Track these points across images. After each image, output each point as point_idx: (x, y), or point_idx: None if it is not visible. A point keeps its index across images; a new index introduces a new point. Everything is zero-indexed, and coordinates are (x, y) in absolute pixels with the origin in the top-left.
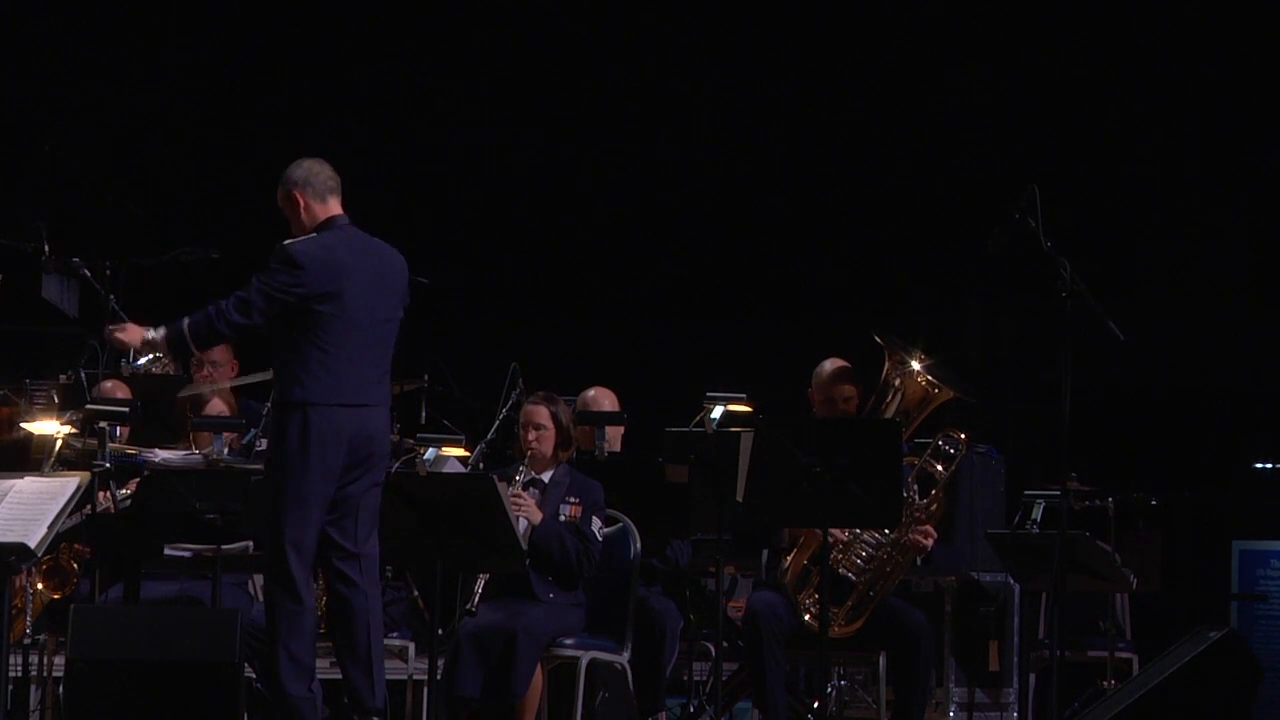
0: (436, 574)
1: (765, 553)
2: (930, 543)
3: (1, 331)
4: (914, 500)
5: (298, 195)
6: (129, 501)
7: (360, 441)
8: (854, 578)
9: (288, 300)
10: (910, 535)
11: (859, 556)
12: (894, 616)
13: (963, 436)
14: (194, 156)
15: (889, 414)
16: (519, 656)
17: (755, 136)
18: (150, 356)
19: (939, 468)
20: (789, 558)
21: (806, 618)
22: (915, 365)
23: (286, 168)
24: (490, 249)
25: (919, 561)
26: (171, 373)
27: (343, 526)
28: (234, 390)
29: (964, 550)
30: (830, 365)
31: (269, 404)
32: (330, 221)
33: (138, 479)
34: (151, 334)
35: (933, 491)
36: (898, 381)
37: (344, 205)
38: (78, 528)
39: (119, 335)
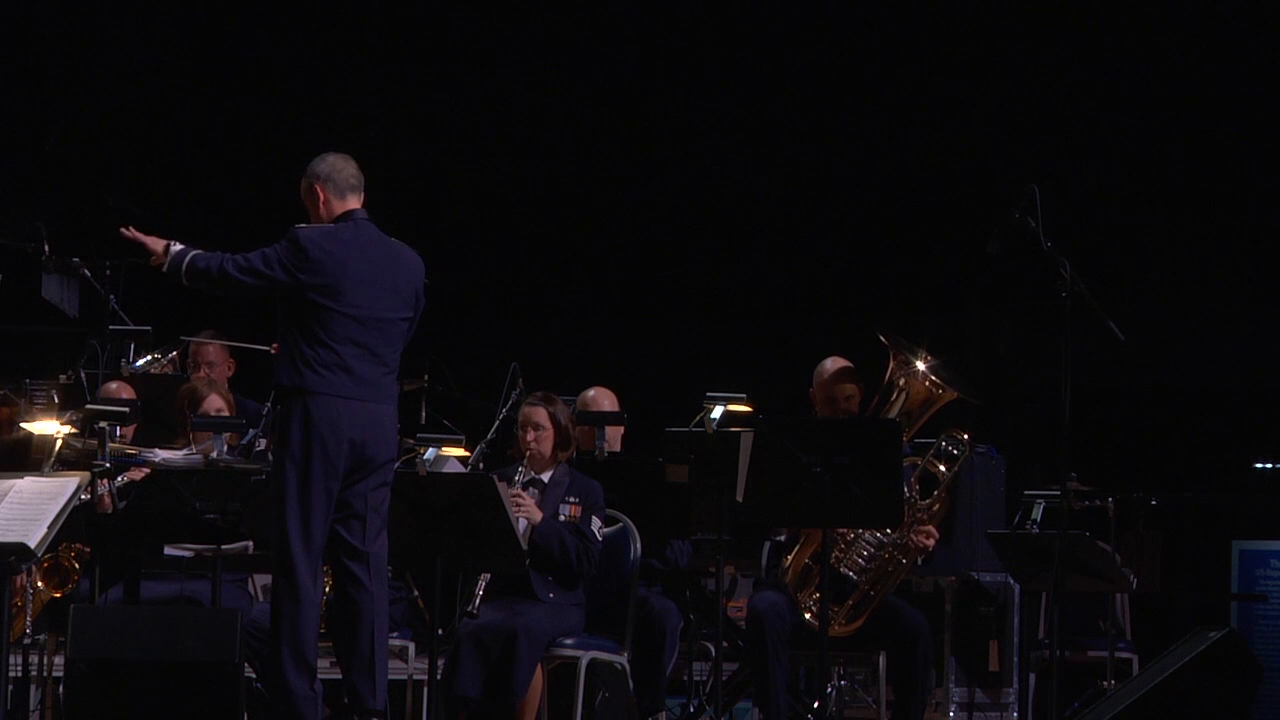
0: (436, 574)
1: (766, 552)
2: (932, 543)
3: (1, 331)
4: (916, 500)
5: (319, 189)
6: (122, 482)
7: (364, 439)
8: (854, 577)
9: (284, 277)
10: (912, 535)
11: (860, 556)
12: (892, 616)
13: (965, 437)
14: (194, 156)
15: (892, 414)
16: (519, 656)
17: (756, 136)
18: (149, 357)
19: (941, 468)
20: (790, 556)
21: (807, 616)
22: (920, 365)
23: (311, 160)
24: (490, 249)
25: (920, 561)
26: (170, 373)
27: (350, 526)
28: (231, 390)
29: (964, 550)
30: (831, 364)
31: (268, 404)
32: (347, 215)
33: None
34: (175, 245)
35: (935, 492)
36: (902, 381)
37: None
38: (78, 527)
39: (144, 237)
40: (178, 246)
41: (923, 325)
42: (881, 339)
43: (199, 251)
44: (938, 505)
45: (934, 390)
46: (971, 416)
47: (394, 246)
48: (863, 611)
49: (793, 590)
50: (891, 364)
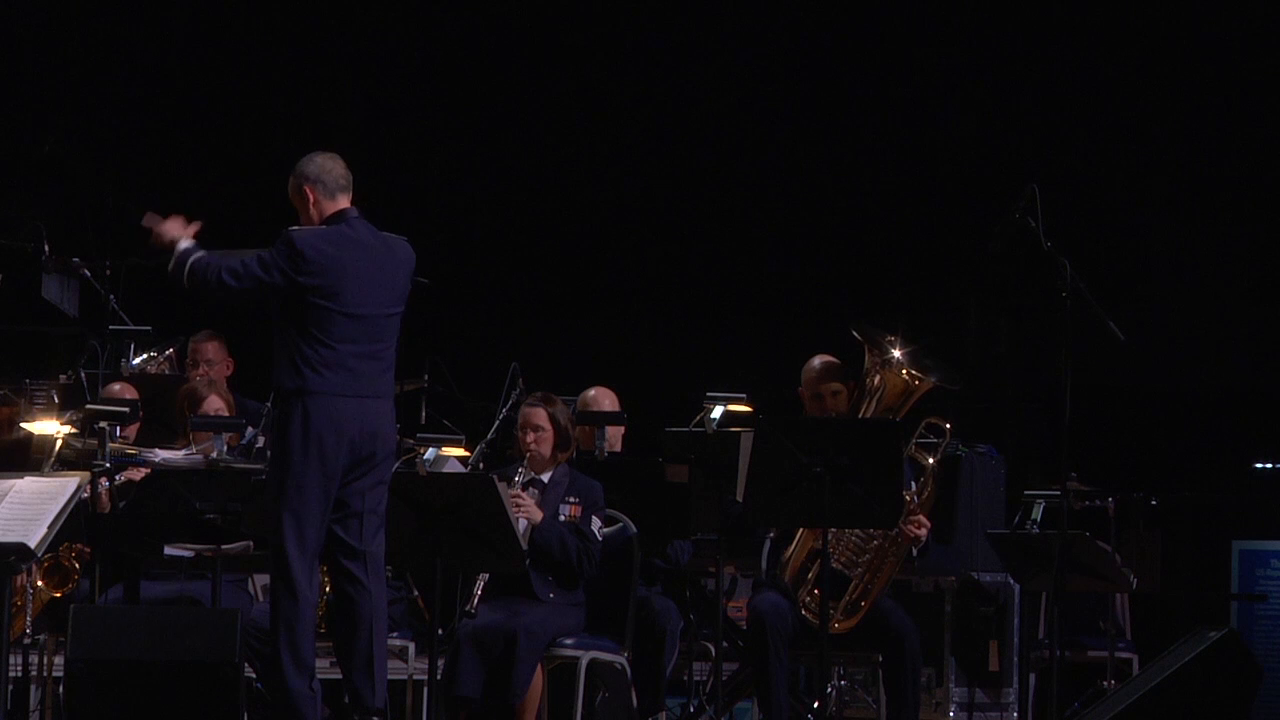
0: (436, 574)
1: (765, 551)
2: (924, 532)
3: (1, 331)
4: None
5: (308, 190)
6: (119, 481)
7: (363, 437)
8: (846, 571)
9: (280, 283)
10: (903, 525)
11: (850, 548)
12: (881, 619)
13: (948, 426)
14: (193, 157)
15: (872, 407)
16: (519, 656)
17: (756, 136)
18: (146, 356)
19: (925, 457)
20: (788, 551)
21: (803, 613)
22: (895, 354)
23: (299, 160)
24: (490, 248)
25: (915, 553)
26: (168, 372)
27: (348, 525)
28: (231, 390)
29: (964, 550)
30: (818, 362)
31: (269, 403)
32: (339, 215)
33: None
34: (183, 244)
35: (921, 479)
36: (878, 375)
37: (353, 200)
38: (78, 527)
39: (161, 226)
40: (185, 244)
41: (903, 318)
42: (855, 333)
43: (202, 254)
44: (926, 493)
45: (911, 380)
46: (969, 415)
47: (387, 241)
48: (860, 606)
49: (791, 587)
50: (867, 357)
